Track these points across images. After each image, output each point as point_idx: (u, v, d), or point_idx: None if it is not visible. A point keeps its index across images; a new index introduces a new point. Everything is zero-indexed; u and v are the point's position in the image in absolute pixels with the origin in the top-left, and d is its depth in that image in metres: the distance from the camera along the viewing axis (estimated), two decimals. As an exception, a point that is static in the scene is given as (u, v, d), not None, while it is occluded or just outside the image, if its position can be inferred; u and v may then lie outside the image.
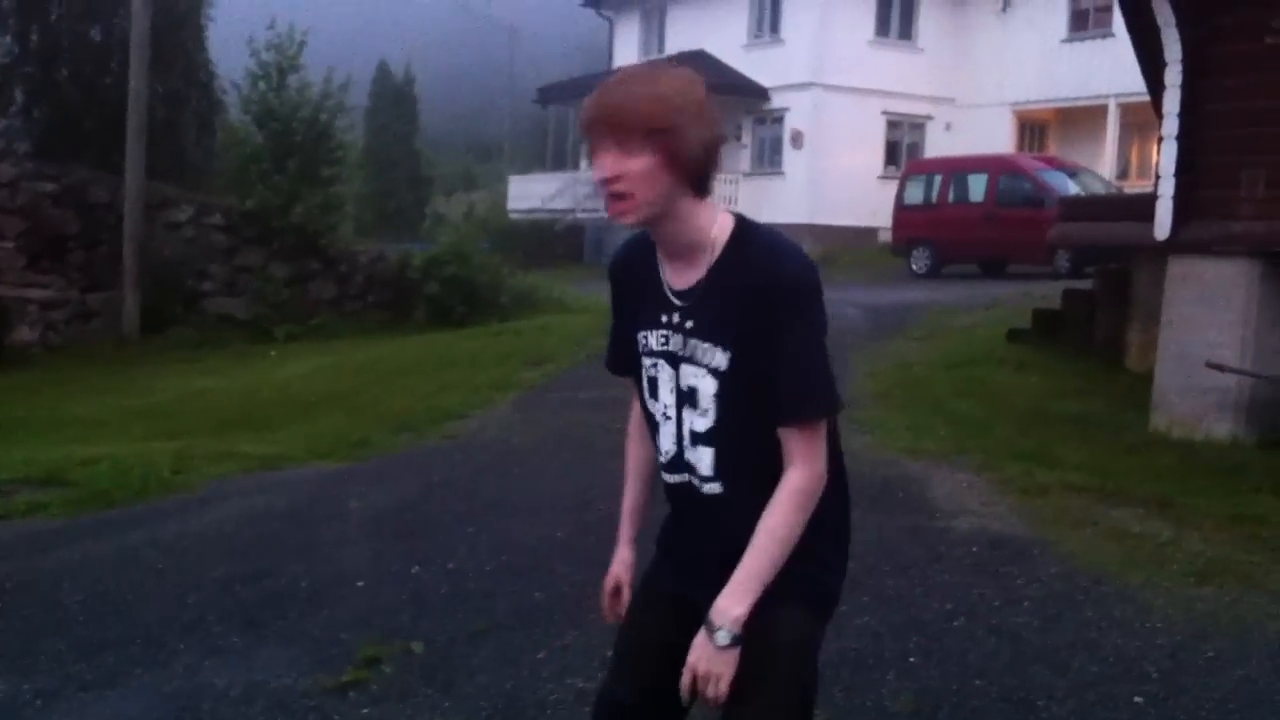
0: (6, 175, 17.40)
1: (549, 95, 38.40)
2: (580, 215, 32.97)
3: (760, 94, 31.05)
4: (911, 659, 4.41)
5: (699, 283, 2.25)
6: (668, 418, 2.35)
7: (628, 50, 36.52)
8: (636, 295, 2.38)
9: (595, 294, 17.74)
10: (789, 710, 2.27)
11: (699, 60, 27.90)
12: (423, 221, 46.40)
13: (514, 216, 36.34)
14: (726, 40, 32.23)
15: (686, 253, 2.25)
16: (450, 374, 12.35)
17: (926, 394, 10.26)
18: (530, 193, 36.67)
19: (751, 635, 2.20)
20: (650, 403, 2.40)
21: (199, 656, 4.48)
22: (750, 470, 2.26)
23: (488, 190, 52.52)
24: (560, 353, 13.34)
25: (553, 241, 33.67)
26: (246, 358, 16.13)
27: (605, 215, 2.92)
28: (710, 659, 2.19)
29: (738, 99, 30.00)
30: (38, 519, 6.58)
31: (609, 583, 2.57)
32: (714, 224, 2.23)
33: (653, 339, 2.34)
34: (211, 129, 22.30)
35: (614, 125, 2.13)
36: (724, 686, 2.19)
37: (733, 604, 2.18)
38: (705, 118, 2.17)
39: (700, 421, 2.29)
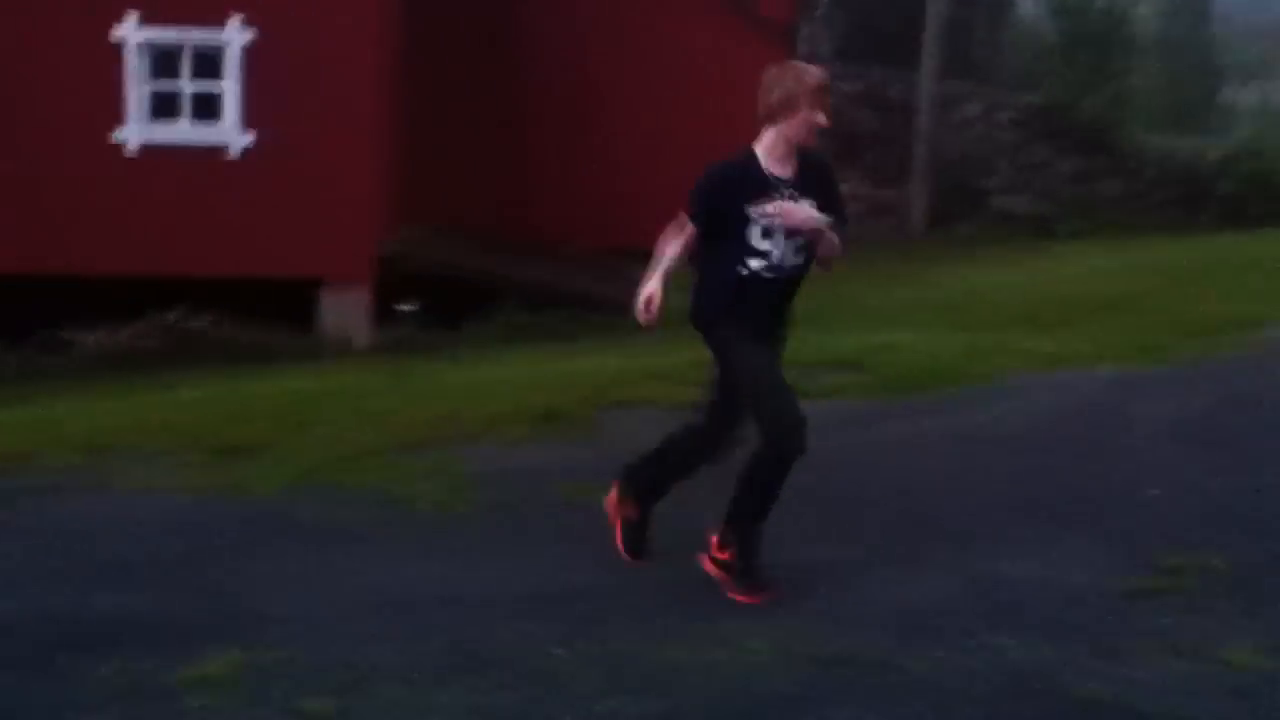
0: (812, 76, 18.55)
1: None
2: None
3: None
4: None
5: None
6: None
7: None
8: None
9: None
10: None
11: None
12: (1212, 113, 42.84)
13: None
14: None
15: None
16: (1248, 279, 11.48)
17: None
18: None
19: None
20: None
21: (994, 544, 4.65)
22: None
23: (1290, 78, 47.28)
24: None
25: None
26: (1028, 254, 16.10)
27: None
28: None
29: None
30: (838, 400, 6.96)
31: (651, 297, 3.89)
32: None
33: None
34: (1002, 24, 22.26)
35: None
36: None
37: None
38: None
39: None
